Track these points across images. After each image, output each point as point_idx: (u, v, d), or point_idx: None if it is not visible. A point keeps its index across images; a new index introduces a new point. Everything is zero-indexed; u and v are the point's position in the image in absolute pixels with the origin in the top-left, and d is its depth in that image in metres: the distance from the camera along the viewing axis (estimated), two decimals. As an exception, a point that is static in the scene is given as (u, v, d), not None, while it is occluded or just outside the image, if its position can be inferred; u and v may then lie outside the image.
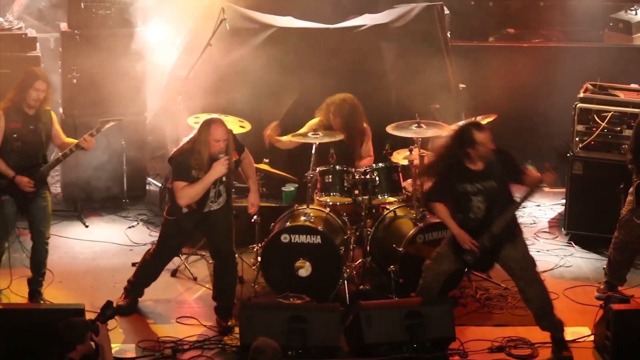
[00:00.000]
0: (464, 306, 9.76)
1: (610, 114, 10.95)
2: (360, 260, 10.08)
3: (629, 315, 8.72)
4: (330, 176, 9.99)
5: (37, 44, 11.74)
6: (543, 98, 12.80)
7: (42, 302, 9.43)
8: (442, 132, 10.39)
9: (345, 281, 9.78)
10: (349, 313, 8.93)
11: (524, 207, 9.11)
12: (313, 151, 10.08)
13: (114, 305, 7.90)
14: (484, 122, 10.46)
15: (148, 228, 11.38)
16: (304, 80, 11.44)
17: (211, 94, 11.17)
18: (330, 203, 10.07)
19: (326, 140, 10.11)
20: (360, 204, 10.02)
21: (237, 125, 10.37)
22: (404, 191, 10.17)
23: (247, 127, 10.49)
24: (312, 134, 10.17)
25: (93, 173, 11.61)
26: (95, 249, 10.95)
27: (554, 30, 13.74)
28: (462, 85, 11.86)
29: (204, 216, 9.23)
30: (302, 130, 10.40)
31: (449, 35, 12.07)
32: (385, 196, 10.06)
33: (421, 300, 8.83)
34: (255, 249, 10.27)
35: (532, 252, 9.20)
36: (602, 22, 13.58)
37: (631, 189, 9.72)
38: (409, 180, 10.21)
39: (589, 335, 9.18)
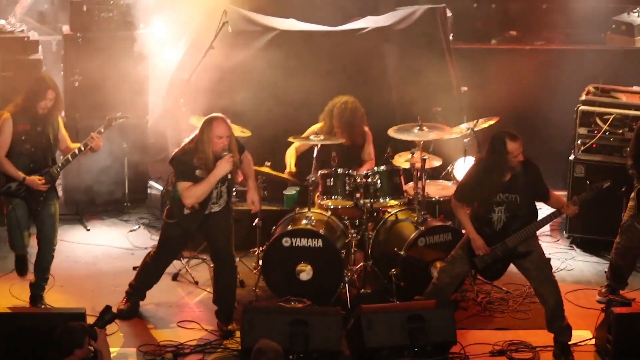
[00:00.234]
0: (465, 310, 9.75)
1: (612, 116, 10.94)
2: (361, 263, 10.07)
3: (631, 319, 8.70)
4: (332, 179, 9.99)
5: (39, 47, 11.74)
6: (545, 100, 12.78)
7: (43, 306, 9.42)
8: (444, 134, 10.41)
9: (347, 285, 9.78)
10: (350, 317, 8.92)
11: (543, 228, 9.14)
12: (315, 154, 10.09)
13: (116, 309, 7.90)
14: (485, 124, 10.49)
15: (149, 232, 11.38)
16: (306, 82, 11.44)
17: (213, 96, 11.17)
18: (332, 206, 10.07)
19: (328, 142, 10.11)
20: (361, 208, 10.02)
21: (238, 131, 10.38)
22: (405, 194, 10.17)
23: (248, 133, 10.51)
24: (314, 136, 10.18)
25: (95, 176, 11.64)
26: (96, 252, 10.95)
27: (556, 32, 13.72)
28: (464, 88, 11.86)
29: (204, 218, 9.22)
30: (304, 135, 10.42)
31: (451, 37, 12.08)
32: (387, 199, 10.06)
33: (429, 302, 8.85)
34: (256, 253, 10.28)
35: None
36: (605, 24, 13.55)
37: (632, 194, 9.70)
38: (411, 184, 10.21)
39: (590, 339, 9.16)
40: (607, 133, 10.96)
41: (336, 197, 10.00)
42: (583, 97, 11.14)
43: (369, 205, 9.96)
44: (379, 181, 9.96)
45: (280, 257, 9.74)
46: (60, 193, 11.81)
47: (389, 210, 10.17)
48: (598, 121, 10.98)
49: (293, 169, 10.58)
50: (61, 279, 10.07)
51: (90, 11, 11.62)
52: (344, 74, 11.64)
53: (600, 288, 10.10)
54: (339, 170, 9.98)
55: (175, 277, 10.29)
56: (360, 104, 10.54)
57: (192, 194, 8.99)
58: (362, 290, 9.94)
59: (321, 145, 10.13)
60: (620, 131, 10.93)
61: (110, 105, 11.31)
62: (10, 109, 9.27)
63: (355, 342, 8.79)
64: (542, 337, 9.04)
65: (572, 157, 11.13)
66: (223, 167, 8.98)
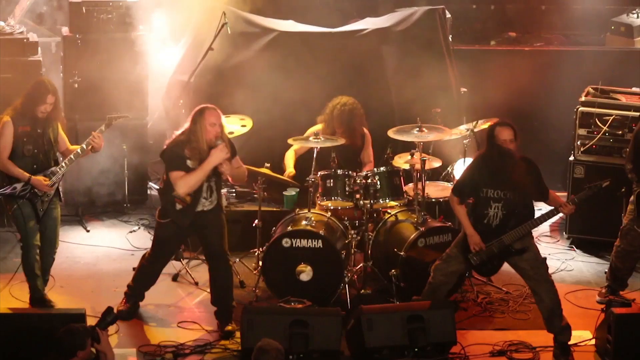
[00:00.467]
0: (465, 310, 9.75)
1: (611, 117, 10.95)
2: (361, 264, 10.07)
3: (631, 320, 8.70)
4: (332, 180, 9.99)
5: (39, 49, 11.73)
6: (544, 101, 12.79)
7: (51, 304, 9.42)
8: (443, 136, 10.42)
9: (347, 285, 9.78)
10: (350, 317, 8.92)
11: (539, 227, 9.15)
12: (314, 155, 10.10)
13: (115, 310, 7.89)
14: (485, 125, 10.49)
15: (149, 232, 11.35)
16: (306, 84, 11.43)
17: (213, 98, 11.13)
18: (332, 207, 10.07)
19: (327, 144, 10.11)
20: (361, 208, 10.02)
21: (238, 123, 10.39)
22: (405, 195, 10.17)
23: (249, 124, 10.50)
24: (314, 138, 10.18)
25: (94, 177, 11.63)
26: (96, 253, 10.95)
27: (555, 33, 13.74)
28: (463, 89, 11.85)
29: (197, 216, 9.17)
30: (304, 136, 10.43)
31: (450, 39, 12.08)
32: (387, 200, 10.07)
33: (429, 302, 8.84)
34: (256, 253, 10.27)
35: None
36: (604, 25, 13.58)
37: (632, 198, 9.69)
38: (411, 185, 10.21)
39: (590, 339, 9.16)
40: (606, 134, 10.97)
41: (336, 198, 10.01)
42: (582, 98, 11.15)
43: (368, 206, 9.96)
44: (378, 182, 9.97)
45: (280, 257, 9.74)
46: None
47: (389, 211, 10.17)
48: (597, 122, 10.98)
49: (292, 171, 10.58)
50: (61, 280, 10.07)
51: (90, 13, 11.63)
52: (343, 75, 11.63)
53: (600, 289, 10.11)
54: (339, 171, 9.99)
55: (175, 277, 10.29)
56: (359, 105, 10.55)
57: (185, 182, 8.96)
58: (362, 290, 9.94)
59: (321, 146, 10.14)
60: (620, 132, 10.94)
61: (110, 107, 11.31)
62: (10, 113, 9.27)
63: (355, 342, 8.79)
64: (542, 338, 9.04)
65: (571, 158, 11.14)
66: (217, 156, 8.97)
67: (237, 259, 10.31)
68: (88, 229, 11.52)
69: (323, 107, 10.61)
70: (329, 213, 10.09)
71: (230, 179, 9.59)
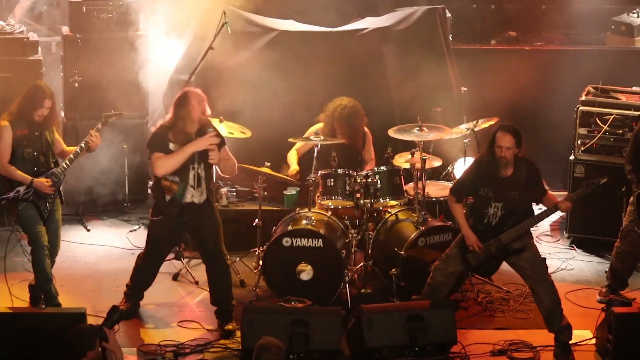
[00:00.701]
0: (465, 309, 9.75)
1: (612, 117, 10.94)
2: (361, 263, 10.07)
3: (631, 319, 8.70)
4: (332, 180, 9.99)
5: (39, 48, 11.73)
6: (545, 101, 12.80)
7: (43, 306, 9.42)
8: (444, 135, 10.42)
9: (347, 284, 9.78)
10: (350, 316, 8.92)
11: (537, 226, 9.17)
12: (315, 154, 10.10)
13: (117, 310, 7.91)
14: (485, 125, 10.50)
15: (149, 232, 11.37)
16: (306, 83, 11.44)
17: (213, 97, 11.14)
18: (332, 206, 10.07)
19: (328, 142, 10.11)
20: (362, 208, 10.02)
21: (238, 132, 10.39)
22: (405, 194, 10.17)
23: (248, 133, 10.51)
24: (314, 136, 10.18)
25: (95, 177, 11.63)
26: (96, 252, 10.95)
27: (555, 33, 13.74)
28: (463, 89, 11.86)
29: (187, 208, 9.10)
30: (304, 136, 10.43)
31: (450, 38, 12.08)
32: (387, 199, 10.07)
33: (430, 301, 8.84)
34: (257, 253, 10.27)
35: (534, 255, 9.23)
36: (604, 25, 13.58)
37: (632, 199, 9.68)
38: (411, 184, 10.21)
39: (590, 339, 9.16)
40: (607, 133, 10.96)
41: (336, 197, 10.01)
42: (583, 98, 11.14)
43: (369, 205, 9.97)
44: (379, 181, 9.97)
45: (281, 257, 9.73)
46: (60, 194, 11.86)
47: (389, 210, 10.17)
48: (598, 121, 10.98)
49: (297, 168, 10.57)
50: (62, 279, 10.04)
51: (90, 12, 11.63)
52: (343, 74, 11.62)
53: (600, 288, 10.10)
54: (339, 171, 9.99)
55: (175, 277, 10.29)
56: (359, 106, 10.54)
57: (162, 163, 8.95)
58: (363, 290, 9.95)
59: (321, 145, 10.13)
60: (620, 131, 10.94)
61: (110, 106, 11.24)
62: (6, 117, 9.26)
63: (355, 341, 8.78)
64: (543, 337, 9.04)
65: (572, 157, 11.14)
66: (199, 143, 8.95)
67: (238, 258, 10.31)
68: (88, 228, 11.52)
69: (323, 106, 10.60)
70: (330, 212, 10.09)
71: (219, 170, 9.54)
